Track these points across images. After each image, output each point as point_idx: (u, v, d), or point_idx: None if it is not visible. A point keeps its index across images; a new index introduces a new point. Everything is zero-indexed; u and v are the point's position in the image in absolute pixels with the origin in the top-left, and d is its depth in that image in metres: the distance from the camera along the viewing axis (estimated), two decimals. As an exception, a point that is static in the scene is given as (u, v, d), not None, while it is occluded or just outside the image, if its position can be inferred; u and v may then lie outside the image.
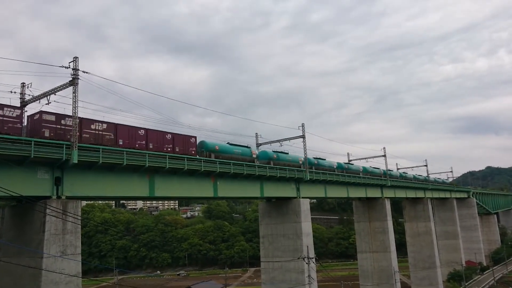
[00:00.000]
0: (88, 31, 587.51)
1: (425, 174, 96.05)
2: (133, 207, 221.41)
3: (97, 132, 30.05)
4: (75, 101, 27.79)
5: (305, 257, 44.50)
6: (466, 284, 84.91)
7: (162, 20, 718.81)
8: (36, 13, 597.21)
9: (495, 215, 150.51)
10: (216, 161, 38.39)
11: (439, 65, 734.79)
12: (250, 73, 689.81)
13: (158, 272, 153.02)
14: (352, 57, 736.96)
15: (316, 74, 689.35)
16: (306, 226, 48.05)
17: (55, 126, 27.56)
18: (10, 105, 26.33)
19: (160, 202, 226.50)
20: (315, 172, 52.20)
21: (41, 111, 27.73)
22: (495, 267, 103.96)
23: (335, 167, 59.22)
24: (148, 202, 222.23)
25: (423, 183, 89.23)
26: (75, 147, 26.90)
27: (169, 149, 34.53)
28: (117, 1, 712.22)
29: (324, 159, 58.05)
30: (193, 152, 36.42)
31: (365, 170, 67.93)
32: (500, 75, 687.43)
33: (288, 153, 50.78)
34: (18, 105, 30.16)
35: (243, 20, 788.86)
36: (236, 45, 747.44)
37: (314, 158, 55.14)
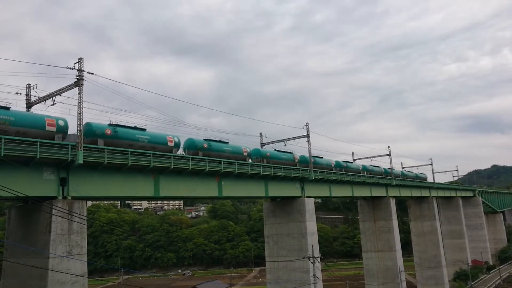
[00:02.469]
0: (93, 33, 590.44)
1: (426, 173, 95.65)
2: (138, 207, 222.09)
3: None
4: (80, 102, 27.94)
5: (310, 257, 44.43)
6: (473, 283, 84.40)
7: (165, 22, 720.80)
8: (41, 16, 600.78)
9: (501, 214, 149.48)
10: (221, 160, 38.45)
11: (443, 64, 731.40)
12: (253, 74, 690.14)
13: (179, 271, 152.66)
14: (355, 57, 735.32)
15: (319, 74, 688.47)
16: (311, 225, 47.98)
17: None
18: None
19: (165, 202, 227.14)
20: (320, 171, 52.09)
21: None
22: (501, 266, 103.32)
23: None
24: (153, 202, 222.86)
25: (427, 182, 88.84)
26: (81, 148, 27.05)
27: None
28: (121, 3, 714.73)
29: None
30: None
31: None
32: (504, 74, 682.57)
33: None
34: (24, 106, 30.43)
35: (246, 21, 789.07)
36: (239, 46, 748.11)
37: (205, 139, 52.22)
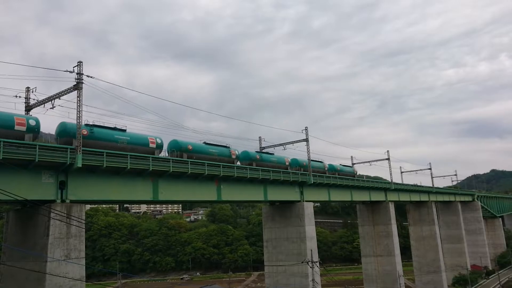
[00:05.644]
0: (94, 38, 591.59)
1: (425, 177, 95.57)
2: (137, 211, 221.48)
3: None
4: (79, 105, 27.89)
5: (309, 261, 44.32)
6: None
7: (166, 27, 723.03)
8: (43, 21, 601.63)
9: (500, 219, 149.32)
10: (220, 164, 38.39)
11: (441, 69, 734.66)
12: (253, 78, 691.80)
13: (198, 272, 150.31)
14: (354, 62, 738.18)
15: (318, 79, 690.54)
16: (310, 229, 47.90)
17: None
18: None
19: (163, 206, 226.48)
20: (319, 175, 52.04)
21: None
22: (500, 271, 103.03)
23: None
24: (151, 206, 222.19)
25: (425, 187, 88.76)
26: (80, 151, 26.99)
27: None
28: (122, 9, 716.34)
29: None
30: None
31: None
32: (501, 79, 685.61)
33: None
34: (23, 109, 30.36)
35: (246, 26, 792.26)
36: (239, 51, 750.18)
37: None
